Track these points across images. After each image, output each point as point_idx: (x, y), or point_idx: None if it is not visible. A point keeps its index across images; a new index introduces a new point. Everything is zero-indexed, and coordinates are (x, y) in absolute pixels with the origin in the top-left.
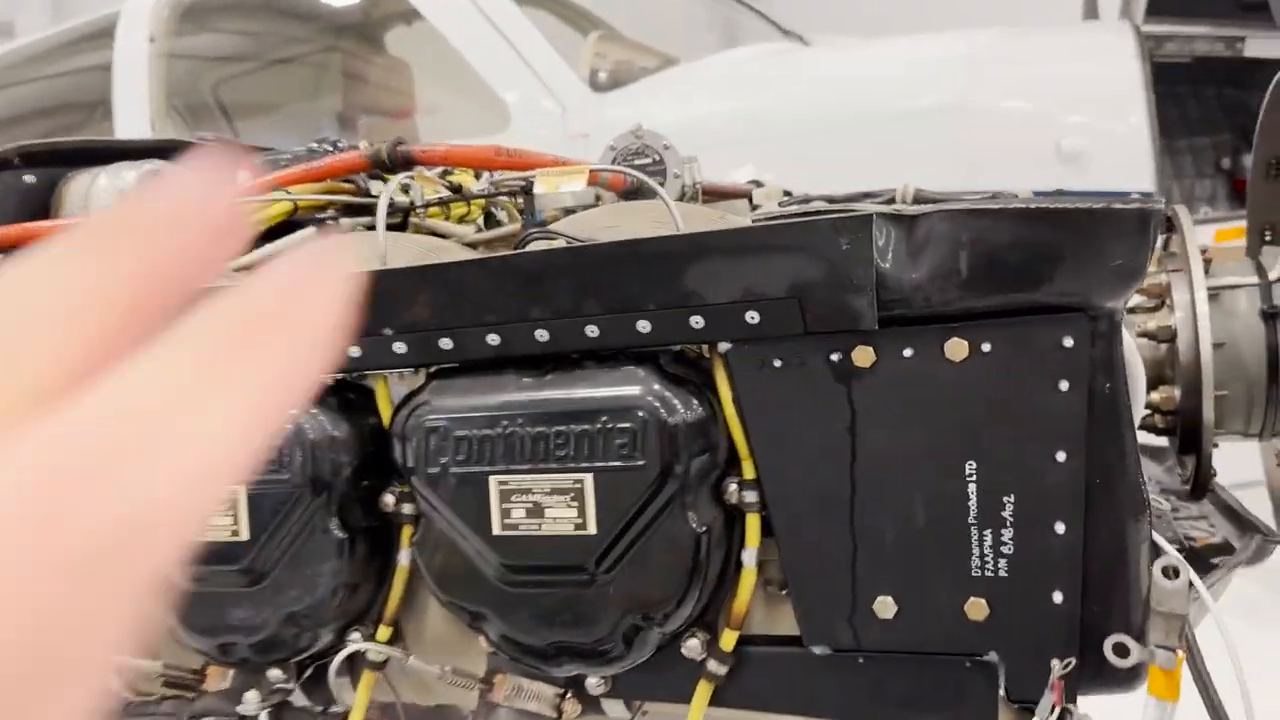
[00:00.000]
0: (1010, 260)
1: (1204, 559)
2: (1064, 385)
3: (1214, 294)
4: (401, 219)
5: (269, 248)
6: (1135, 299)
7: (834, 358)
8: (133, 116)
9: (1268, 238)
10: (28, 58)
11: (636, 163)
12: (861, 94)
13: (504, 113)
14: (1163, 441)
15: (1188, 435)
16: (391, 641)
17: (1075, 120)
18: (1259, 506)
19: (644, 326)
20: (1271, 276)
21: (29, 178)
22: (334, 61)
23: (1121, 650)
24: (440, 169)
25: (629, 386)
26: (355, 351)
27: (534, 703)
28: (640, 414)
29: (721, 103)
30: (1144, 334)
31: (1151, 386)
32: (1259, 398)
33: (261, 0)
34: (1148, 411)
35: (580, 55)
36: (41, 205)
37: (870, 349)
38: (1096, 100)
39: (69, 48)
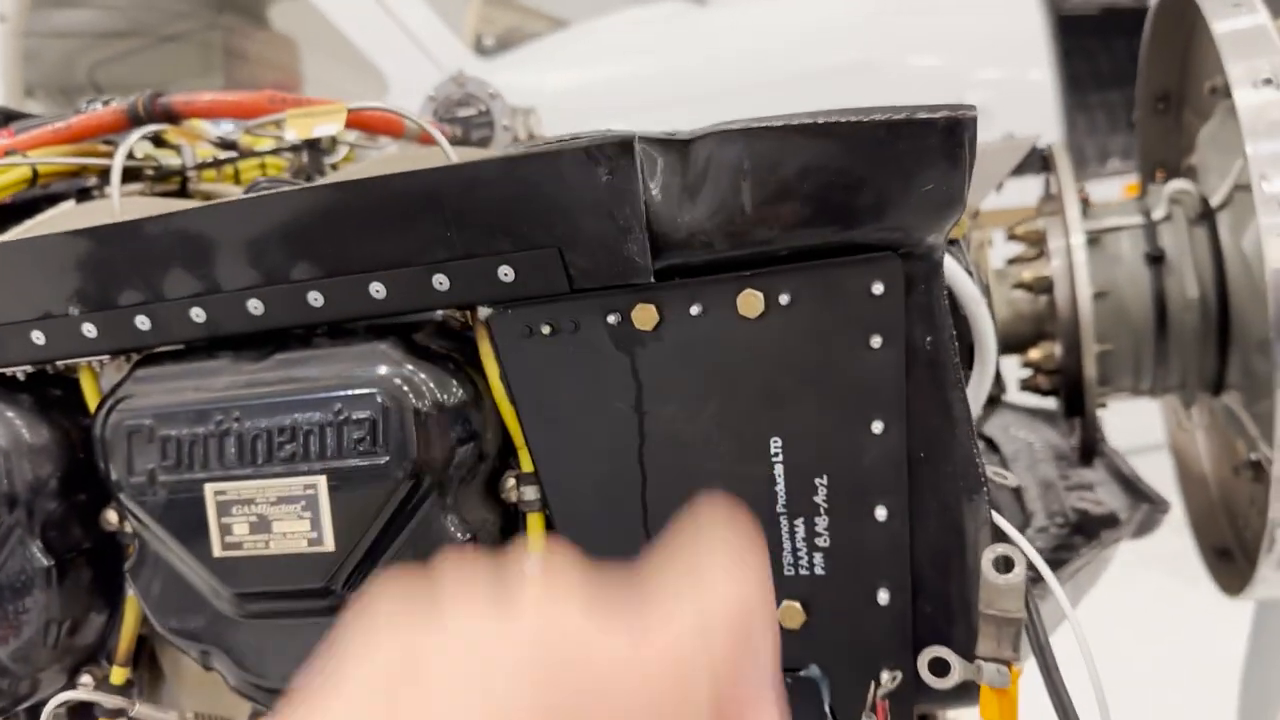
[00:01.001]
0: (801, 189)
1: (1090, 533)
2: (876, 341)
3: (1094, 238)
4: (179, 185)
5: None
6: (1013, 248)
7: (611, 320)
8: None
9: (1159, 179)
10: None
11: (460, 113)
12: (762, 54)
13: (382, 82)
14: (1050, 404)
15: (1072, 395)
16: (138, 683)
17: (981, 75)
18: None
19: (377, 291)
20: (1156, 217)
21: None
22: (216, 39)
23: (939, 667)
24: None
25: (367, 366)
26: (38, 337)
27: None
28: (380, 399)
29: (615, 66)
30: (1019, 285)
31: (1030, 343)
32: (1147, 351)
33: None
34: (1030, 372)
35: (465, 20)
36: None
37: (652, 307)
38: (1001, 54)
39: None
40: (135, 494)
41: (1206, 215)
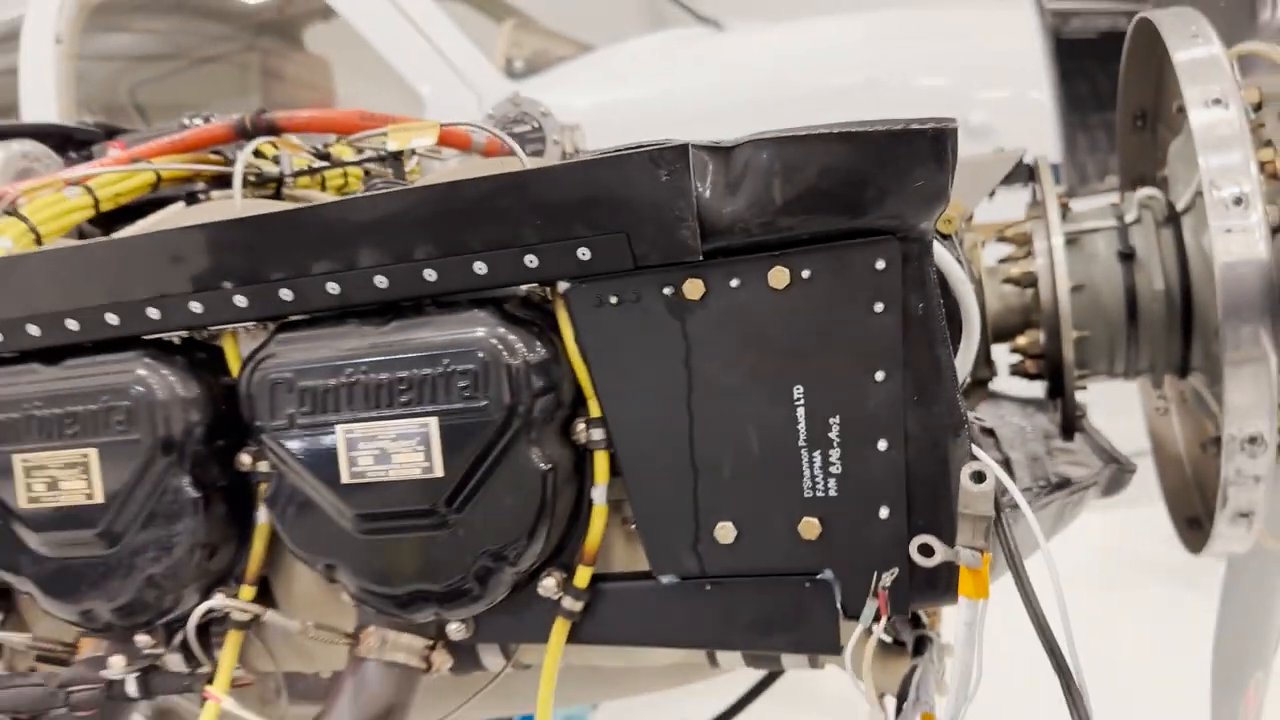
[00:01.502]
0: (820, 186)
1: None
2: (879, 307)
3: (1073, 238)
4: (274, 190)
5: (141, 223)
6: (1003, 249)
7: (666, 291)
8: (39, 119)
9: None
10: None
11: (515, 129)
12: (775, 76)
13: (419, 103)
14: (1038, 388)
15: (1054, 377)
16: (259, 601)
17: (982, 95)
18: None
19: (480, 268)
20: (1128, 220)
21: None
22: (253, 60)
23: (926, 550)
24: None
25: (470, 329)
26: (196, 307)
27: (402, 654)
28: (481, 355)
29: (636, 88)
30: (1008, 280)
31: (1018, 331)
32: (1120, 338)
33: (174, 0)
34: (1018, 358)
35: (496, 44)
36: None
37: (699, 281)
38: (1002, 75)
39: None
40: (276, 435)
41: (1172, 219)
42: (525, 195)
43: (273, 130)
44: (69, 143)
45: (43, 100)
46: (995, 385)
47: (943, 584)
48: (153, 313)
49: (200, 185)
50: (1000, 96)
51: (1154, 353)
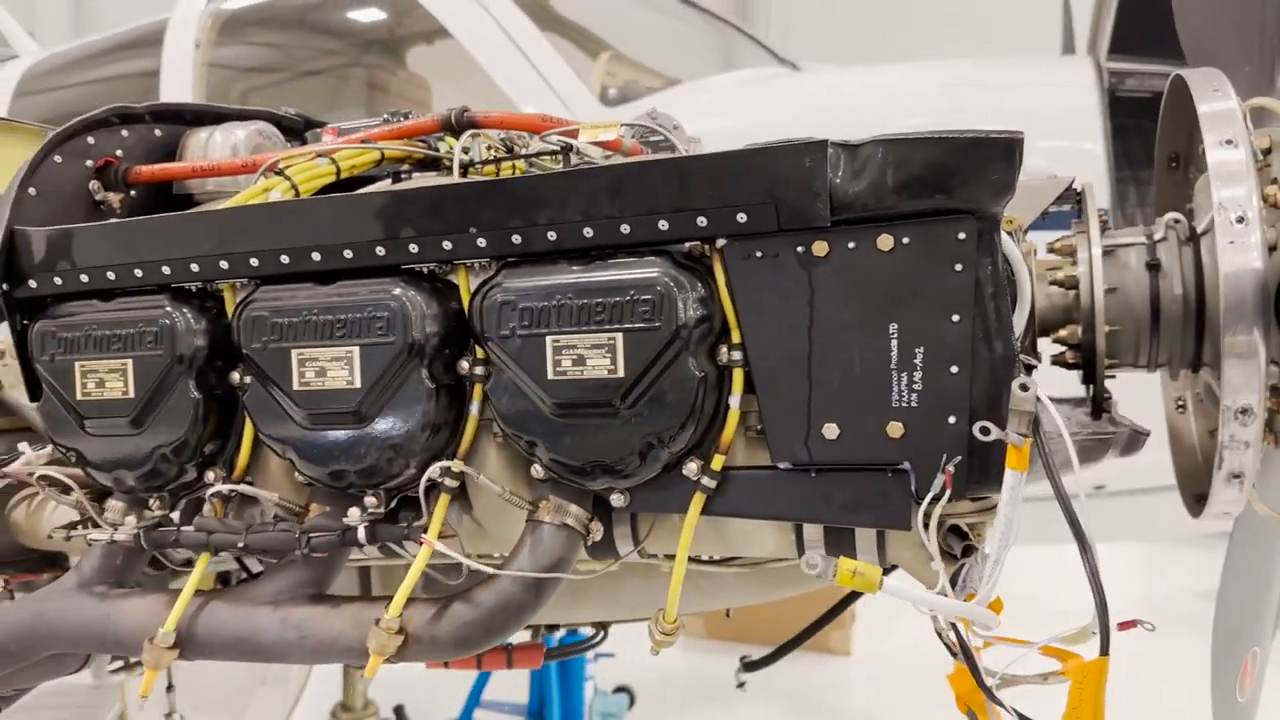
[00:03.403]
0: (922, 175)
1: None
2: (958, 267)
3: (1110, 251)
4: (463, 174)
5: (366, 189)
6: (1052, 258)
7: (799, 249)
8: None
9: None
10: (70, 63)
11: (650, 139)
12: (848, 115)
13: None
14: (1074, 377)
15: (1087, 364)
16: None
17: (1039, 144)
18: None
19: (663, 225)
20: (1156, 238)
21: (157, 131)
22: (357, 75)
23: (985, 430)
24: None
25: (650, 270)
26: (447, 245)
27: (570, 519)
28: (659, 289)
29: (719, 120)
30: (1054, 282)
31: (1060, 325)
32: (1144, 333)
33: (297, 16)
34: (1059, 349)
35: (592, 74)
36: (166, 153)
37: (825, 242)
38: (1058, 126)
39: (113, 53)
40: (499, 342)
41: (1193, 238)
42: (703, 172)
43: (473, 125)
44: (279, 127)
45: (180, 99)
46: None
47: (992, 474)
48: (413, 248)
49: (405, 168)
50: (1056, 146)
51: (1172, 347)
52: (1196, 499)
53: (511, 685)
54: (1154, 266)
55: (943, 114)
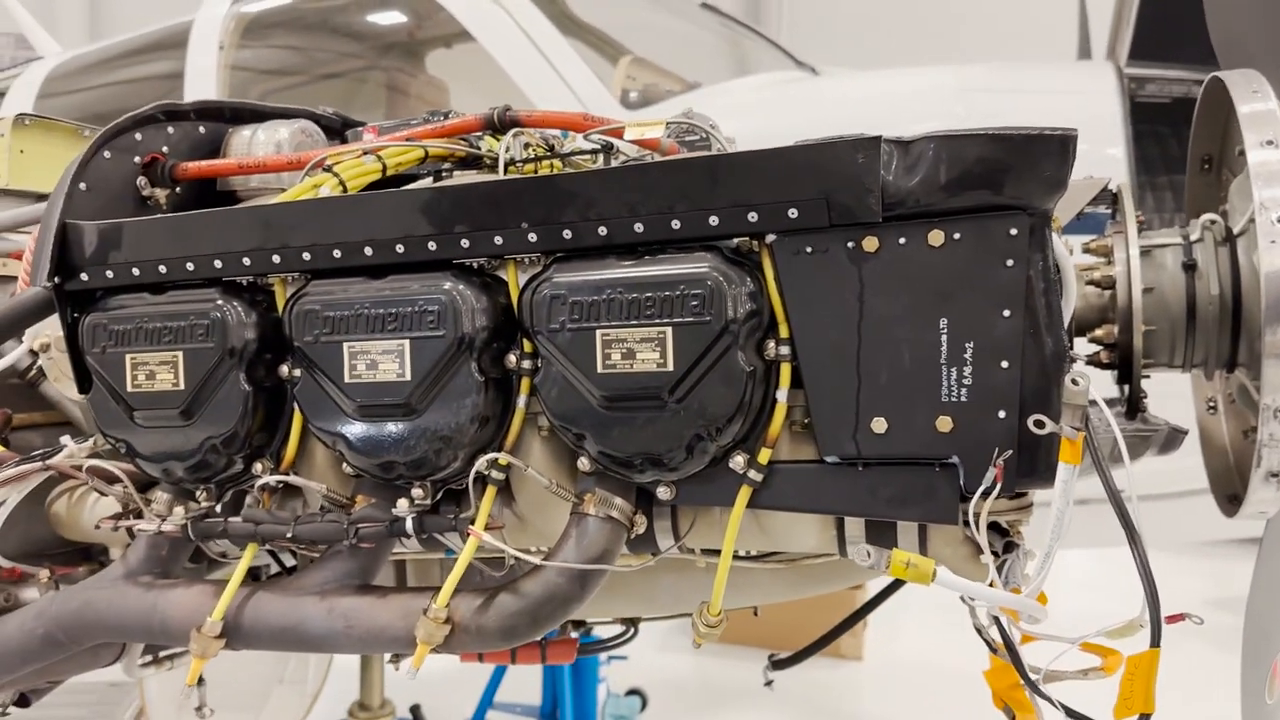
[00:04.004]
0: (974, 171)
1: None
2: (1009, 262)
3: (1146, 251)
4: (505, 172)
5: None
6: (1087, 258)
7: (850, 245)
8: None
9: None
10: (92, 64)
11: (687, 139)
12: (866, 118)
13: None
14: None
15: (1124, 363)
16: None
17: None
18: None
19: (713, 220)
20: (1192, 238)
21: (201, 129)
22: (376, 78)
23: (1040, 424)
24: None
25: (700, 265)
26: (498, 240)
27: (616, 511)
28: (709, 283)
29: (739, 122)
30: (1091, 282)
31: (1096, 325)
32: (1180, 333)
33: (318, 19)
34: (1095, 348)
35: (613, 78)
36: (209, 150)
37: (876, 238)
38: (1082, 130)
39: (136, 55)
40: (549, 336)
41: (1229, 239)
42: (754, 168)
43: (516, 124)
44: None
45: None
46: None
47: (1039, 469)
48: (465, 242)
49: (446, 166)
50: (1079, 150)
51: (1207, 348)
52: (1229, 499)
53: (524, 686)
54: (1190, 267)
55: (961, 118)
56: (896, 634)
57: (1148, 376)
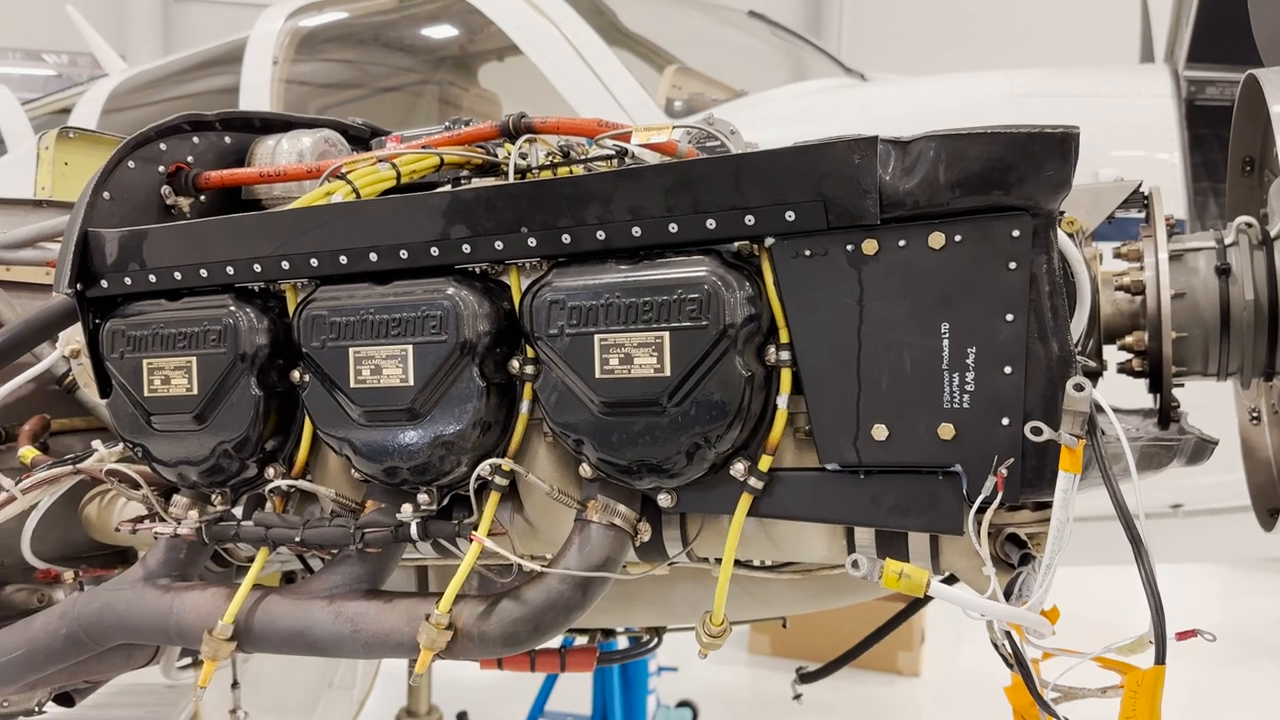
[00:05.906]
0: (975, 171)
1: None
2: (1012, 265)
3: (1177, 255)
4: (521, 177)
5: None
6: (1119, 263)
7: (848, 248)
8: None
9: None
10: (152, 81)
11: (707, 144)
12: (914, 124)
13: None
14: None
15: (1154, 372)
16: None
17: (1114, 153)
18: None
19: (710, 224)
20: (1226, 241)
21: (227, 139)
22: (430, 91)
23: (1037, 430)
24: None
25: (698, 269)
26: (499, 244)
27: (619, 519)
28: (706, 287)
29: (786, 130)
30: (1120, 288)
31: (1126, 332)
32: (1214, 341)
33: (372, 34)
34: (1126, 356)
35: (659, 86)
36: (236, 160)
37: (875, 241)
38: (1133, 135)
39: (195, 71)
40: (548, 341)
41: (1265, 243)
42: (750, 170)
43: (530, 130)
44: (345, 136)
45: None
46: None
47: (1047, 478)
48: (466, 248)
49: (464, 173)
50: (1131, 155)
51: (1243, 355)
52: (1270, 513)
53: (574, 696)
54: (1224, 271)
55: (1013, 122)
56: (955, 651)
57: (1181, 385)
